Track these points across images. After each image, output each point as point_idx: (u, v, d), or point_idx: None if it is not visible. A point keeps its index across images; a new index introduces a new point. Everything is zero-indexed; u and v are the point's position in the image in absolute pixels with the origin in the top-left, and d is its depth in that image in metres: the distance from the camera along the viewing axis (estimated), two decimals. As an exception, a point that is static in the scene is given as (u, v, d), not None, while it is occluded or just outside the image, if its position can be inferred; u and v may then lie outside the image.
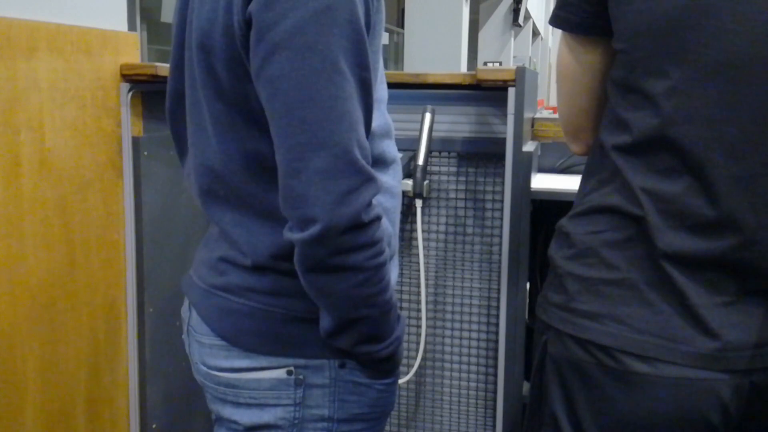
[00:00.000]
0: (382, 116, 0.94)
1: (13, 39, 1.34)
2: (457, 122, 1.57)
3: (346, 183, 0.79)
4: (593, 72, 0.94)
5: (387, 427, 1.73)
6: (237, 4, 0.81)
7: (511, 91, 1.41)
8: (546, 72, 13.40)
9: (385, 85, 0.97)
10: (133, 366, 1.71)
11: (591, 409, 0.86)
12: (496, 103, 1.52)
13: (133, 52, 1.64)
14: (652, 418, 0.83)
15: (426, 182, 1.53)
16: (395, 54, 9.45)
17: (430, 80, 1.51)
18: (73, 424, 1.56)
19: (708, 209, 0.80)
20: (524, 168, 1.41)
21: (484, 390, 1.65)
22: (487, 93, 1.51)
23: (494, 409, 1.61)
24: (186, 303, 1.02)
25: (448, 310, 1.65)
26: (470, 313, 1.63)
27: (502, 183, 1.55)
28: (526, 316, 1.54)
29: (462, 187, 1.60)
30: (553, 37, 15.22)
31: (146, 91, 1.64)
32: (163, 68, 1.54)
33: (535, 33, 11.56)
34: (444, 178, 1.61)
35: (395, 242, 0.98)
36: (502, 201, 1.55)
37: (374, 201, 0.83)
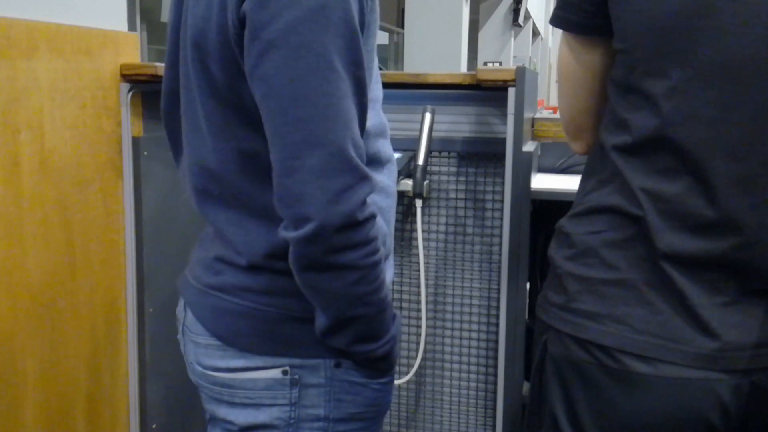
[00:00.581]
0: (377, 116, 0.94)
1: (13, 39, 1.34)
2: (457, 122, 1.57)
3: (341, 181, 0.79)
4: (594, 72, 0.93)
5: (387, 428, 1.73)
6: (231, 3, 0.81)
7: (511, 91, 1.41)
8: (546, 72, 13.40)
9: (380, 85, 0.97)
10: (133, 366, 1.71)
11: (591, 409, 0.86)
12: (496, 103, 1.52)
13: (133, 52, 1.64)
14: (652, 418, 0.83)
15: (426, 182, 1.53)
16: (395, 54, 9.46)
17: (430, 80, 1.51)
18: (72, 424, 1.56)
19: (708, 210, 0.80)
20: (524, 168, 1.41)
21: (484, 390, 1.65)
22: (487, 93, 1.51)
23: (494, 409, 1.61)
24: (181, 303, 1.02)
25: (448, 310, 1.65)
26: (470, 313, 1.63)
27: (502, 183, 1.55)
28: (526, 316, 1.54)
29: (462, 187, 1.60)
30: (553, 37, 15.22)
31: (146, 91, 1.64)
32: (163, 68, 1.54)
33: (535, 33, 11.56)
34: (444, 178, 1.61)
35: (390, 241, 0.98)
36: (502, 201, 1.55)
37: (369, 200, 0.83)
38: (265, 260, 0.90)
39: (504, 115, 1.46)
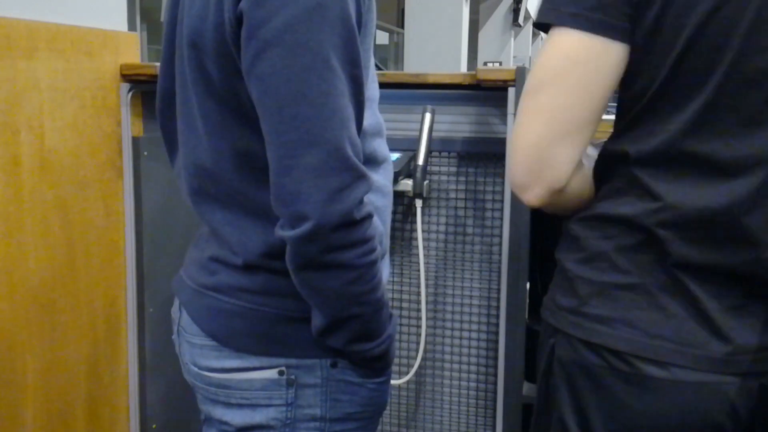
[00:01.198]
0: (373, 115, 0.94)
1: (13, 39, 1.34)
2: (457, 122, 1.57)
3: (338, 180, 0.79)
4: (607, 79, 0.85)
5: (387, 428, 1.73)
6: (228, 2, 0.81)
7: (511, 91, 1.41)
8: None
9: (376, 84, 0.97)
10: (133, 366, 1.71)
11: (601, 413, 0.85)
12: (496, 103, 1.52)
13: (133, 52, 1.64)
14: (663, 422, 0.82)
15: (426, 182, 1.53)
16: (395, 54, 9.45)
17: (430, 80, 1.51)
18: (73, 424, 1.56)
19: (725, 224, 0.79)
20: (524, 168, 1.41)
21: (484, 390, 1.65)
22: (487, 93, 1.51)
23: (494, 409, 1.61)
24: (176, 303, 1.02)
25: (448, 310, 1.65)
26: (470, 313, 1.63)
27: (502, 183, 1.55)
28: (526, 316, 1.54)
29: (462, 187, 1.60)
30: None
31: (146, 91, 1.64)
32: (163, 68, 1.54)
33: (535, 33, 11.56)
34: (444, 178, 1.61)
35: (386, 241, 0.98)
36: (502, 201, 1.55)
37: (365, 199, 0.83)
38: (261, 260, 0.90)
39: (504, 115, 1.46)
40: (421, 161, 1.49)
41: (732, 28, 0.77)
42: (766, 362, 0.81)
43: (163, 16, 0.98)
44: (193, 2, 0.87)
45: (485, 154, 1.57)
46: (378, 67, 2.17)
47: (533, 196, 0.86)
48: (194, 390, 1.00)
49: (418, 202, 1.55)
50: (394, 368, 1.69)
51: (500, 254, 1.55)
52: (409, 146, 1.54)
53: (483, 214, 1.60)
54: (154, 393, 1.74)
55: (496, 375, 1.60)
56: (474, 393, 1.66)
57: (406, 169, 1.51)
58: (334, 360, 0.92)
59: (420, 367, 1.67)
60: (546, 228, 1.67)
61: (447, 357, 1.66)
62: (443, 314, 1.65)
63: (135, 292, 1.68)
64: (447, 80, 1.51)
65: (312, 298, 0.87)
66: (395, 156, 1.52)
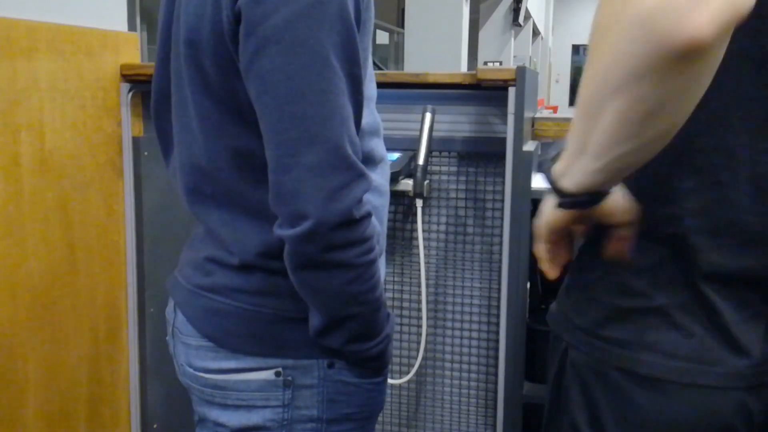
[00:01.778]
0: (371, 114, 0.94)
1: (13, 39, 1.34)
2: (457, 122, 1.57)
3: (338, 179, 0.79)
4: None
5: (388, 427, 1.73)
6: None
7: (512, 91, 1.41)
8: (546, 72, 13.40)
9: (374, 83, 0.96)
10: (134, 366, 1.71)
11: (615, 416, 0.83)
12: (496, 102, 1.52)
13: (133, 52, 1.64)
14: (677, 425, 0.81)
15: (426, 182, 1.53)
16: (395, 54, 9.45)
17: (431, 80, 1.51)
18: (74, 424, 1.56)
19: (759, 225, 0.76)
20: (525, 168, 1.41)
21: (485, 390, 1.65)
22: (487, 93, 1.51)
23: (495, 408, 1.61)
24: (171, 304, 1.01)
25: (449, 310, 1.65)
26: (471, 313, 1.63)
27: (503, 183, 1.55)
28: (527, 316, 1.54)
29: (462, 186, 1.60)
30: (553, 36, 15.23)
31: (146, 91, 1.64)
32: (164, 68, 1.54)
33: (536, 32, 11.56)
34: (444, 177, 1.61)
35: (383, 241, 0.97)
36: (502, 201, 1.55)
37: (364, 198, 0.83)
38: (258, 259, 0.89)
39: (504, 114, 1.46)
40: (421, 161, 1.49)
41: None
42: None
43: (159, 14, 0.98)
44: (190, 0, 0.86)
45: (486, 154, 1.57)
46: (378, 67, 2.18)
47: (709, 13, 0.55)
48: (189, 392, 0.99)
49: (419, 202, 1.55)
50: (395, 368, 1.69)
51: (501, 254, 1.55)
52: (409, 146, 1.54)
53: (483, 214, 1.60)
54: (155, 393, 1.74)
55: (496, 374, 1.60)
56: (474, 392, 1.66)
57: (406, 169, 1.51)
58: (331, 360, 0.92)
59: (420, 366, 1.67)
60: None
61: (447, 357, 1.66)
62: (444, 314, 1.65)
63: (135, 292, 1.68)
64: (447, 80, 1.51)
65: (310, 297, 0.87)
66: (395, 156, 1.52)
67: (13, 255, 1.37)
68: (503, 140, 1.45)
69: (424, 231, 1.60)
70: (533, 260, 1.56)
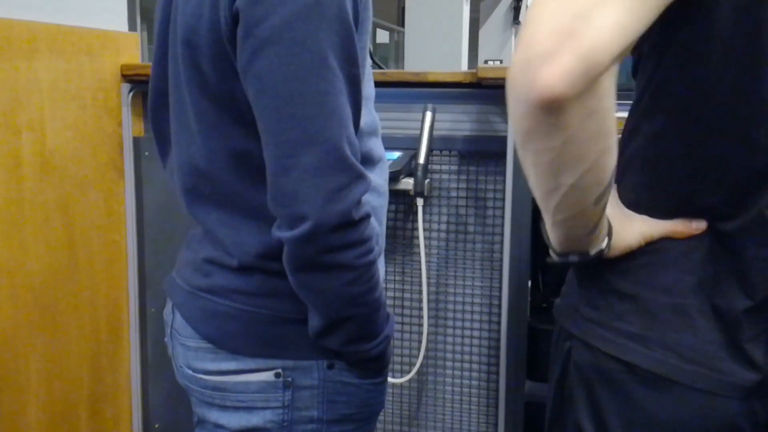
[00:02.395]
0: (369, 114, 0.93)
1: (13, 40, 1.34)
2: (457, 121, 1.57)
3: (337, 180, 0.79)
4: None
5: (389, 426, 1.73)
6: (224, 0, 0.80)
7: (512, 90, 1.40)
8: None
9: (372, 83, 0.96)
10: (136, 366, 1.71)
11: (621, 417, 0.82)
12: (496, 101, 1.52)
13: (133, 52, 1.64)
14: (683, 428, 0.80)
15: (427, 181, 1.53)
16: (396, 53, 9.45)
17: (431, 79, 1.50)
18: (75, 424, 1.56)
19: None
20: (525, 166, 1.41)
21: (486, 389, 1.65)
22: (487, 91, 1.51)
23: (496, 407, 1.61)
24: (169, 305, 1.01)
25: (450, 309, 1.65)
26: (472, 312, 1.63)
27: (504, 181, 1.55)
28: (528, 315, 1.54)
29: (463, 185, 1.60)
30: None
31: (147, 91, 1.63)
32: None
33: (536, 31, 11.52)
34: (445, 176, 1.60)
35: (382, 241, 0.97)
36: (503, 199, 1.55)
37: (363, 199, 0.83)
38: (256, 261, 0.89)
39: (505, 113, 1.46)
40: (422, 160, 1.49)
41: None
42: None
43: (155, 14, 0.97)
44: (187, 0, 0.86)
45: (486, 153, 1.57)
46: (379, 66, 2.17)
47: (558, 69, 0.57)
48: (188, 393, 0.99)
49: (419, 201, 1.55)
50: (396, 367, 1.69)
51: (501, 252, 1.55)
52: (409, 145, 1.53)
53: (484, 213, 1.60)
54: (157, 393, 1.74)
55: (498, 373, 1.60)
56: (476, 392, 1.66)
57: (407, 168, 1.51)
58: (331, 361, 0.92)
59: (422, 366, 1.67)
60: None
61: (449, 356, 1.66)
62: (445, 313, 1.65)
63: (137, 292, 1.69)
64: (448, 78, 1.51)
65: (310, 299, 0.87)
66: (396, 155, 1.52)
67: (14, 255, 1.37)
68: (504, 139, 1.45)
69: (425, 230, 1.60)
70: (534, 259, 1.56)
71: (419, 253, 1.60)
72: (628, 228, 0.80)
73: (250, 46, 0.78)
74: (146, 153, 1.65)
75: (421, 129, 1.50)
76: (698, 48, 0.72)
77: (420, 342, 1.64)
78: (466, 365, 1.66)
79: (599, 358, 0.82)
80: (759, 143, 0.73)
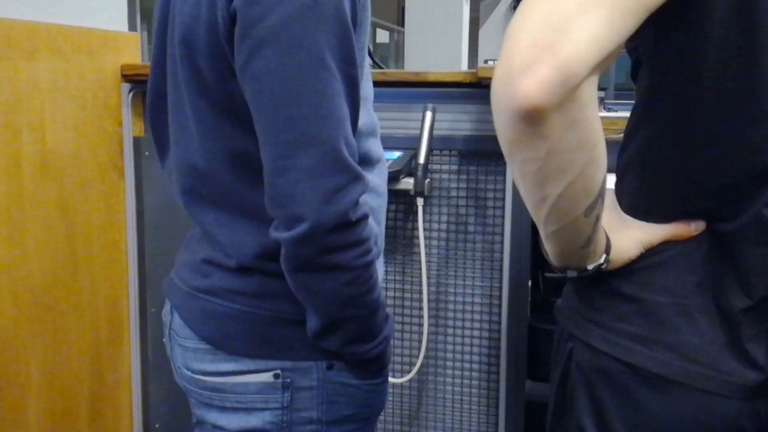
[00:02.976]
0: (367, 114, 0.93)
1: (13, 40, 1.34)
2: (458, 120, 1.57)
3: (334, 181, 0.78)
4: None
5: (389, 426, 1.73)
6: (221, 0, 0.80)
7: (512, 89, 1.40)
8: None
9: (370, 83, 0.96)
10: (136, 366, 1.71)
11: (623, 419, 0.82)
12: (496, 101, 1.52)
13: (133, 52, 1.64)
14: (686, 429, 0.80)
15: (427, 181, 1.53)
16: (396, 52, 9.44)
17: (431, 78, 1.50)
18: (76, 424, 1.56)
19: None
20: (525, 166, 1.41)
21: (486, 389, 1.65)
22: (488, 91, 1.49)
23: (497, 407, 1.61)
24: (167, 306, 1.00)
25: (450, 309, 1.65)
26: (472, 312, 1.63)
27: (504, 181, 1.55)
28: (528, 314, 1.54)
29: (463, 185, 1.60)
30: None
31: (147, 91, 1.64)
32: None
33: (536, 31, 11.52)
34: (445, 176, 1.60)
35: (381, 242, 0.97)
36: (503, 199, 1.55)
37: (361, 200, 0.82)
38: (255, 261, 0.89)
39: (505, 113, 1.45)
40: (422, 160, 1.49)
41: None
42: None
43: (154, 14, 0.97)
44: (185, 0, 0.85)
45: (486, 152, 1.57)
46: (379, 66, 2.17)
47: (535, 80, 0.59)
48: (187, 394, 0.99)
49: (420, 201, 1.55)
50: (396, 367, 1.69)
51: (502, 252, 1.55)
52: (409, 145, 1.53)
53: (484, 212, 1.60)
54: (157, 392, 1.74)
55: (498, 373, 1.60)
56: (476, 391, 1.66)
57: (407, 168, 1.51)
58: (330, 362, 0.91)
59: (422, 365, 1.67)
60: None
61: (449, 355, 1.66)
62: (445, 313, 1.65)
63: (137, 292, 1.69)
64: (448, 78, 1.51)
65: (308, 300, 0.86)
66: (396, 154, 1.52)
67: (14, 255, 1.37)
68: (504, 139, 1.45)
69: (425, 230, 1.60)
70: (534, 258, 1.56)
71: (419, 253, 1.60)
72: (626, 238, 0.80)
73: (248, 46, 0.78)
74: (146, 153, 1.65)
75: (421, 129, 1.50)
76: (693, 50, 0.72)
77: (420, 342, 1.64)
78: (467, 365, 1.66)
79: (601, 359, 0.82)
80: (757, 144, 0.73)
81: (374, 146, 0.96)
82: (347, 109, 0.81)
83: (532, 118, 0.61)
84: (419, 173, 1.50)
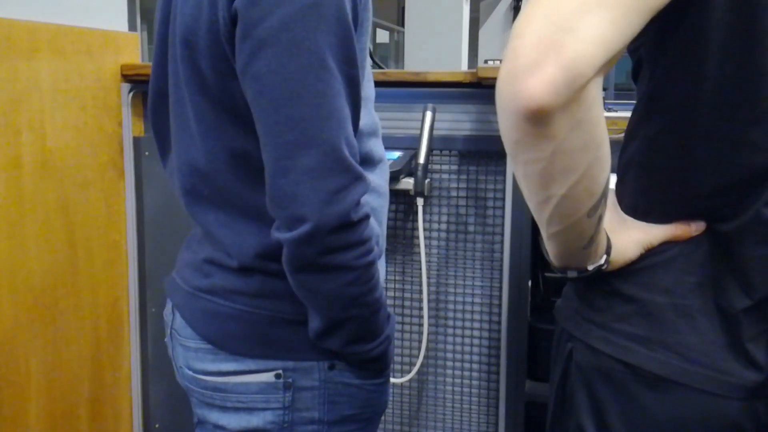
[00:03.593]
0: (369, 115, 0.93)
1: (14, 40, 1.34)
2: (458, 120, 1.57)
3: (335, 181, 0.78)
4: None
5: (389, 426, 1.73)
6: (222, 0, 0.80)
7: (512, 89, 1.40)
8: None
9: (372, 84, 0.96)
10: (136, 365, 1.71)
11: (623, 419, 0.82)
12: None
13: (133, 52, 1.64)
14: (686, 429, 0.80)
15: (427, 181, 1.53)
16: (396, 52, 9.44)
17: (431, 78, 1.50)
18: (76, 424, 1.56)
19: None
20: (525, 166, 1.41)
21: (486, 389, 1.65)
22: (488, 91, 1.51)
23: (497, 407, 1.61)
24: (168, 306, 1.00)
25: (450, 309, 1.65)
26: (472, 312, 1.63)
27: (504, 181, 1.55)
28: (528, 315, 1.54)
29: (463, 185, 1.60)
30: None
31: (147, 91, 1.64)
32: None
33: (536, 31, 11.52)
34: (445, 176, 1.61)
35: (383, 242, 0.97)
36: (503, 199, 1.55)
37: (362, 200, 0.82)
38: (256, 261, 0.89)
39: (505, 113, 1.45)
40: (422, 160, 1.49)
41: None
42: None
43: (155, 14, 0.97)
44: (186, 1, 0.85)
45: (486, 152, 1.57)
46: (379, 66, 2.17)
47: (541, 79, 0.58)
48: (188, 394, 0.99)
49: (420, 201, 1.55)
50: (396, 367, 1.69)
51: (502, 252, 1.55)
52: (410, 145, 1.54)
53: (484, 212, 1.60)
54: (157, 392, 1.74)
55: (498, 373, 1.60)
56: (476, 391, 1.66)
57: (407, 168, 1.51)
58: (332, 362, 0.91)
59: (422, 365, 1.67)
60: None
61: (449, 355, 1.66)
62: (445, 313, 1.65)
63: (137, 292, 1.69)
64: (448, 78, 1.51)
65: (310, 300, 0.86)
66: (396, 154, 1.52)
67: (14, 255, 1.37)
68: (504, 139, 1.45)
69: (425, 230, 1.60)
70: (534, 258, 1.56)
71: (419, 253, 1.60)
72: (626, 239, 0.80)
73: (249, 47, 0.78)
74: (146, 153, 1.65)
75: (421, 129, 1.50)
76: (694, 51, 0.72)
77: (420, 342, 1.64)
78: (467, 365, 1.66)
79: (601, 359, 0.82)
80: (757, 143, 0.73)
81: (375, 146, 0.96)
82: (348, 109, 0.81)
83: (538, 119, 0.60)
84: (419, 173, 1.50)
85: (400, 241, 1.65)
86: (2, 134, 1.33)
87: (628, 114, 0.84)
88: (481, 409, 1.66)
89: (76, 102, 1.50)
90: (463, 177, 1.59)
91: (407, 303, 1.67)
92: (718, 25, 0.70)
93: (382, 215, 0.98)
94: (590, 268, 0.79)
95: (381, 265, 0.96)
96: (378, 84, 1.01)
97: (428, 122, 1.50)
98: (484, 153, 1.57)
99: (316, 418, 0.93)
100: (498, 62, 1.63)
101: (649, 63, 0.78)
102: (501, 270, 1.57)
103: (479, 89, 1.51)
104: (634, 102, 0.83)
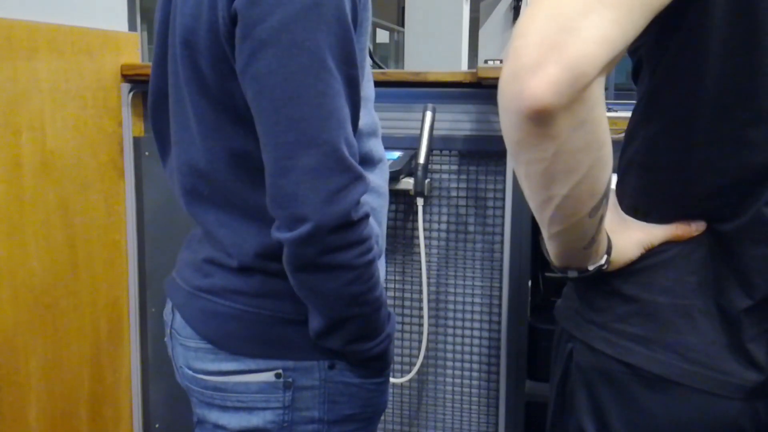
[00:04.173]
0: (368, 115, 0.93)
1: (13, 40, 1.34)
2: (458, 120, 1.57)
3: (335, 181, 0.79)
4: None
5: (389, 426, 1.73)
6: (222, 0, 0.80)
7: (512, 89, 1.40)
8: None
9: (372, 84, 0.96)
10: (136, 366, 1.71)
11: (623, 419, 0.81)
12: (497, 101, 1.51)
13: (133, 52, 1.64)
14: (687, 429, 0.80)
15: (427, 181, 1.53)
16: (396, 52, 9.44)
17: (431, 78, 1.50)
18: (76, 424, 1.56)
19: None
20: (525, 166, 1.41)
21: (486, 389, 1.65)
22: (488, 91, 1.51)
23: (497, 407, 1.61)
24: (168, 305, 1.01)
25: (450, 309, 1.65)
26: (472, 312, 1.63)
27: (504, 181, 1.55)
28: (528, 315, 1.54)
29: (463, 185, 1.60)
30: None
31: (147, 91, 1.64)
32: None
33: (536, 31, 11.52)
34: (445, 176, 1.61)
35: (382, 242, 0.97)
36: (503, 199, 1.55)
37: (362, 200, 0.83)
38: (256, 261, 0.89)
39: (505, 113, 1.45)
40: (422, 160, 1.49)
41: None
42: None
43: (155, 14, 0.97)
44: (186, 1, 0.85)
45: (486, 152, 1.57)
46: (379, 66, 2.17)
47: (544, 79, 0.58)
48: (188, 393, 0.99)
49: (420, 201, 1.55)
50: (396, 367, 1.69)
51: (502, 252, 1.55)
52: (410, 145, 1.54)
53: (484, 212, 1.60)
54: (157, 392, 1.75)
55: (498, 373, 1.60)
56: (476, 391, 1.66)
57: (407, 168, 1.51)
58: (332, 361, 0.92)
59: (422, 365, 1.67)
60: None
61: (449, 355, 1.66)
62: (445, 313, 1.65)
63: (137, 292, 1.69)
64: (448, 78, 1.51)
65: (310, 299, 0.87)
66: (396, 154, 1.52)
67: (14, 255, 1.37)
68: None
69: (425, 230, 1.60)
70: (534, 258, 1.56)
71: (419, 253, 1.60)
72: (627, 239, 0.80)
73: (248, 47, 0.78)
74: (146, 153, 1.65)
75: (421, 129, 1.50)
76: (694, 51, 0.72)
77: (420, 342, 1.64)
78: (467, 365, 1.66)
79: (601, 359, 0.82)
80: (757, 143, 0.73)
81: (375, 146, 0.96)
82: (348, 109, 0.81)
83: (540, 119, 0.60)
84: (419, 173, 1.50)
85: (400, 241, 1.65)
86: (2, 134, 1.33)
87: (628, 114, 0.84)
88: (481, 409, 1.66)
89: (76, 102, 1.50)
90: (463, 177, 1.59)
91: (407, 303, 1.67)
92: (718, 25, 0.70)
93: (382, 215, 0.98)
94: (591, 268, 0.79)
95: (381, 265, 0.96)
96: (378, 84, 1.01)
97: (428, 122, 1.50)
98: (484, 153, 1.57)
99: (316, 418, 0.93)
100: (498, 62, 1.63)
101: (649, 63, 0.78)
102: (501, 270, 1.57)
103: (479, 89, 1.51)
104: (634, 102, 0.83)
